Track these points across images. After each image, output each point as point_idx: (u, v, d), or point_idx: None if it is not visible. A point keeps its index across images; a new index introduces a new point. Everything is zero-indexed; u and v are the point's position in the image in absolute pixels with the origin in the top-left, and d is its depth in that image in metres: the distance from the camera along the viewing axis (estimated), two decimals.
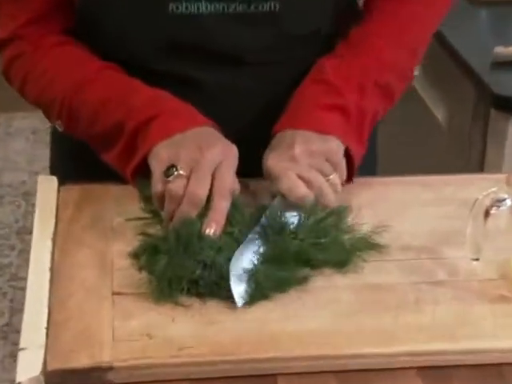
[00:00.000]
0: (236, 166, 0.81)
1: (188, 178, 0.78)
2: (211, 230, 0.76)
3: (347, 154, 0.86)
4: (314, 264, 0.77)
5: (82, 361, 0.65)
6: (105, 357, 0.66)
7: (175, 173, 0.77)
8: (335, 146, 0.85)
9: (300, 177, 0.81)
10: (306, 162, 0.82)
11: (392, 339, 0.69)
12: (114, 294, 0.74)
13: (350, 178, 0.88)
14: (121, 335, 0.68)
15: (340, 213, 0.83)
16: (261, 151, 0.85)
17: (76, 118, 0.88)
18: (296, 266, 0.76)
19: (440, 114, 1.50)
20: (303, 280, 0.75)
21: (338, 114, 0.87)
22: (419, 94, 1.61)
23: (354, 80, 0.90)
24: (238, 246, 0.76)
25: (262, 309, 0.72)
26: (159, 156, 0.80)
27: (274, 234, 0.79)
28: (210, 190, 0.78)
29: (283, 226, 0.79)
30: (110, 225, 0.83)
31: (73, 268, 0.77)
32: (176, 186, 0.77)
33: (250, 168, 0.83)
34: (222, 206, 0.77)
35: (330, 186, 0.83)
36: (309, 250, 0.77)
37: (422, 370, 0.67)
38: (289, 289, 0.74)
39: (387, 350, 0.68)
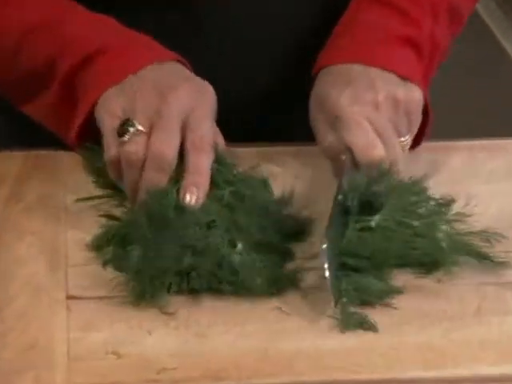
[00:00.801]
0: (215, 113, 0.82)
1: (149, 134, 0.78)
2: (192, 196, 0.77)
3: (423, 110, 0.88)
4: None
5: None
6: (57, 381, 0.67)
7: (131, 129, 0.78)
8: (418, 97, 0.86)
9: (376, 130, 0.82)
10: (388, 113, 0.84)
11: (446, 360, 0.71)
12: (68, 297, 0.75)
13: (418, 141, 0.90)
14: (79, 353, 0.69)
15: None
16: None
17: None
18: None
19: None
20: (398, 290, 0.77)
21: (411, 50, 0.89)
22: (492, 31, 1.62)
23: (426, 3, 0.91)
24: (235, 215, 0.78)
25: (269, 318, 0.74)
26: (109, 108, 0.80)
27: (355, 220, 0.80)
28: (182, 147, 0.79)
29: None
30: (61, 205, 0.84)
31: (13, 264, 0.78)
32: (134, 146, 0.78)
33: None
34: (201, 163, 0.78)
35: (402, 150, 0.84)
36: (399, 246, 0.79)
37: None
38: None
39: (437, 373, 0.70)
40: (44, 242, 0.80)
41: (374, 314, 0.74)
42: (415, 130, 0.88)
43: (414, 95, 0.86)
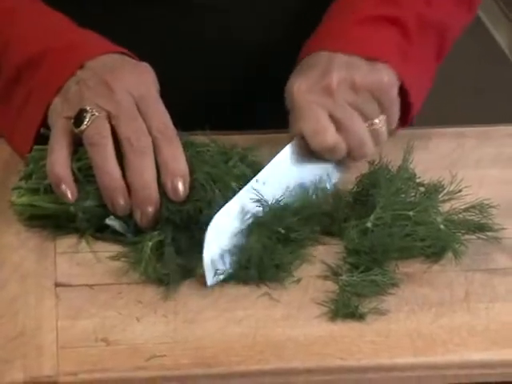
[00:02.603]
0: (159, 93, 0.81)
1: (108, 119, 0.78)
2: (177, 184, 0.77)
3: (402, 91, 0.87)
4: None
5: (15, 375, 0.66)
6: (46, 369, 0.67)
7: (88, 115, 0.77)
8: (387, 78, 0.85)
9: (332, 117, 0.81)
10: (343, 96, 0.82)
11: (433, 345, 0.71)
12: (57, 285, 0.75)
13: (403, 124, 0.89)
14: (68, 340, 0.69)
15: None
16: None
17: None
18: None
19: (503, 37, 1.51)
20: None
21: (392, 30, 0.88)
22: (483, 21, 1.62)
23: None
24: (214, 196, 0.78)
25: (259, 305, 0.74)
26: (60, 114, 0.80)
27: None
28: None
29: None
30: None
31: (1, 252, 0.78)
32: (96, 127, 0.77)
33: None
34: (175, 151, 0.78)
35: (373, 133, 0.84)
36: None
37: None
38: None
39: (426, 359, 0.70)
40: (32, 229, 0.80)
41: (363, 301, 0.74)
42: (393, 112, 0.86)
43: (381, 76, 0.85)
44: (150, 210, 0.77)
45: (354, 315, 0.73)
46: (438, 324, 0.73)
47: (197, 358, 0.68)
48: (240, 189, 0.80)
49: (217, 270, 0.75)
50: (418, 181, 0.85)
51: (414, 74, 0.87)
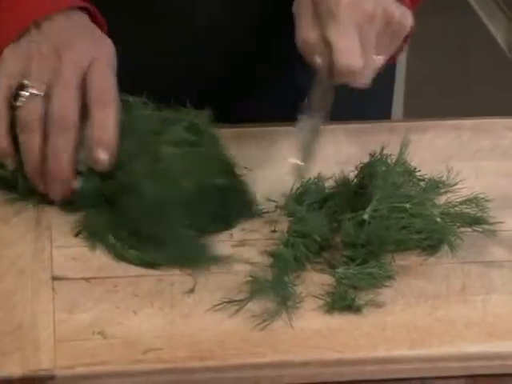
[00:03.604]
0: (115, 66, 0.81)
1: (47, 97, 0.77)
2: (100, 156, 0.77)
3: None
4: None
5: (13, 368, 0.66)
6: (43, 362, 0.66)
7: (25, 94, 0.77)
8: (409, 23, 0.85)
9: (361, 43, 0.81)
10: (378, 29, 0.82)
11: (429, 338, 0.71)
12: (54, 278, 0.75)
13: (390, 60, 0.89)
14: (64, 334, 0.69)
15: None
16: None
17: None
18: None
19: (503, 38, 1.51)
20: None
21: None
22: (475, 11, 1.62)
23: None
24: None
25: (256, 298, 0.74)
26: (6, 70, 0.79)
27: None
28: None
29: None
30: None
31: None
32: (27, 109, 0.76)
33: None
34: (105, 119, 0.77)
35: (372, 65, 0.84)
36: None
37: (473, 379, 0.70)
38: None
39: (422, 351, 0.70)
40: (28, 223, 0.80)
41: (360, 294, 0.74)
42: (391, 53, 0.87)
43: (408, 20, 0.85)
44: (58, 188, 0.78)
45: (351, 308, 0.73)
46: (434, 316, 0.73)
47: (193, 351, 0.68)
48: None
49: None
50: (415, 173, 0.86)
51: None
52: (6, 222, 0.81)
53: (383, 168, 0.83)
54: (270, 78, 1.05)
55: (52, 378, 0.66)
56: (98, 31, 0.82)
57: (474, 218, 0.82)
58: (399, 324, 0.72)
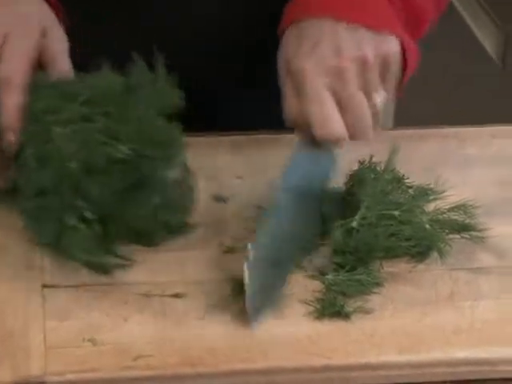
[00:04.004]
0: (34, 40, 0.81)
1: None
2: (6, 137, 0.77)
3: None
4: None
5: (3, 375, 0.66)
6: (34, 369, 0.67)
7: None
8: (393, 49, 0.82)
9: (339, 100, 0.79)
10: (354, 79, 0.79)
11: (418, 344, 0.71)
12: (44, 286, 0.75)
13: (398, 93, 0.87)
14: (55, 341, 0.69)
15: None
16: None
17: None
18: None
19: (493, 48, 1.52)
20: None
21: None
22: (466, 22, 1.63)
23: None
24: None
25: (244, 305, 0.74)
26: None
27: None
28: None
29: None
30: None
31: None
32: None
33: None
34: (8, 101, 0.78)
35: (373, 113, 0.81)
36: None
37: None
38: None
39: (411, 357, 0.70)
40: (18, 229, 0.80)
41: (349, 300, 0.75)
42: (393, 82, 0.84)
43: (389, 47, 0.81)
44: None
45: (340, 314, 0.73)
46: (423, 322, 0.73)
47: (183, 357, 0.69)
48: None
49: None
50: (403, 181, 0.86)
51: (410, 41, 0.85)
52: None
53: (372, 175, 0.83)
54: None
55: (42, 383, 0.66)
56: (27, 7, 0.83)
57: (462, 224, 0.82)
58: (388, 330, 0.72)
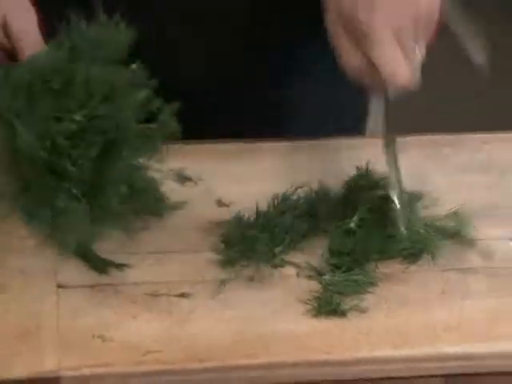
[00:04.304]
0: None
1: None
2: None
3: None
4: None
5: (19, 370, 0.67)
6: (48, 365, 0.68)
7: None
8: (436, 5, 0.83)
9: (403, 50, 0.80)
10: (411, 33, 0.81)
11: (412, 341, 0.73)
12: (59, 286, 0.76)
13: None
14: (67, 338, 0.71)
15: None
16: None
17: None
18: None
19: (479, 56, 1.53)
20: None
21: None
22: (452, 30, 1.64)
23: None
24: None
25: (246, 304, 0.76)
26: None
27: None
28: None
29: None
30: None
31: (5, 254, 0.79)
32: None
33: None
34: None
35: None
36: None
37: (450, 378, 0.73)
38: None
39: (404, 352, 0.72)
40: (36, 235, 0.80)
41: (344, 299, 0.76)
42: (428, 39, 0.85)
43: (435, 5, 0.83)
44: None
45: (336, 312, 0.75)
46: (415, 320, 0.75)
47: (190, 353, 0.70)
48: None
49: None
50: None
51: None
52: (14, 231, 0.81)
53: (369, 181, 0.85)
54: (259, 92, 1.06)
55: (57, 379, 0.67)
56: None
57: (454, 231, 0.83)
58: (382, 328, 0.74)
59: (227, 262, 0.80)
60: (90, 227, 0.77)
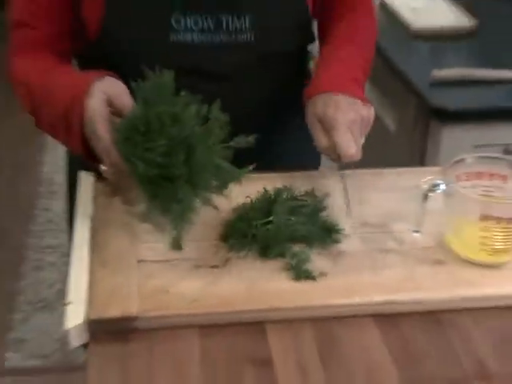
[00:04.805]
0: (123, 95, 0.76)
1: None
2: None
3: None
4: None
5: (114, 312, 0.66)
6: (132, 309, 0.66)
7: None
8: (373, 115, 0.85)
9: (353, 138, 0.80)
10: (359, 125, 0.81)
11: (354, 293, 0.70)
12: (139, 261, 0.74)
13: None
14: (145, 292, 0.69)
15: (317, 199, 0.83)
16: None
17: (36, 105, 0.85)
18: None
19: (390, 121, 1.52)
20: None
21: (359, 85, 0.89)
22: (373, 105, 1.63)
23: (361, 61, 0.93)
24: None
25: (253, 271, 0.73)
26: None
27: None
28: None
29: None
30: (136, 209, 0.78)
31: (108, 239, 0.77)
32: None
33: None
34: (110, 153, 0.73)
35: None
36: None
37: (377, 317, 0.69)
38: None
39: (350, 301, 0.70)
40: (126, 229, 0.78)
41: (314, 269, 0.73)
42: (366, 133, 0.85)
43: (372, 113, 0.84)
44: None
45: (309, 276, 0.72)
46: (356, 281, 0.71)
47: (218, 302, 0.68)
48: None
49: None
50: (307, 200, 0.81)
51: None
52: (113, 227, 0.79)
53: (287, 195, 0.80)
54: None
55: (136, 318, 0.66)
56: (111, 78, 0.79)
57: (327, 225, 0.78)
58: (335, 286, 0.71)
59: (232, 247, 0.76)
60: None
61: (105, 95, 0.76)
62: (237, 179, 0.73)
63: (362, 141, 0.82)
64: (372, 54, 0.99)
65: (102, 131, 0.73)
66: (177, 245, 0.74)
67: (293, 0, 0.90)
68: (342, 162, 0.80)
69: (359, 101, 0.84)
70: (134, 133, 0.71)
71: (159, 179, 0.70)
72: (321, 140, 0.81)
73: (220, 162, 0.72)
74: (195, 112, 0.71)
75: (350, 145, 0.78)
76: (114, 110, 0.76)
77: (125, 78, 0.79)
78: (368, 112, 0.83)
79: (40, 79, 0.85)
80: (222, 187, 0.73)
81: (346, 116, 0.80)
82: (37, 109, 0.85)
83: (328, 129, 0.80)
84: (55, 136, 0.87)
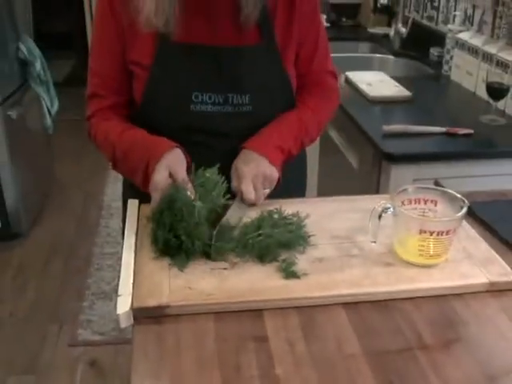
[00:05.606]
0: (181, 167, 0.78)
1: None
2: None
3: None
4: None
5: (152, 302, 0.66)
6: (164, 300, 0.66)
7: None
8: (276, 176, 0.86)
9: (255, 186, 0.82)
10: (261, 178, 0.83)
11: (329, 288, 0.69)
12: (169, 264, 0.73)
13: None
14: (173, 288, 0.68)
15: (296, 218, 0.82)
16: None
17: (117, 160, 0.88)
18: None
19: (354, 161, 1.52)
20: None
21: (280, 152, 0.89)
22: (342, 151, 1.63)
23: (293, 136, 0.92)
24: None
25: (254, 273, 0.72)
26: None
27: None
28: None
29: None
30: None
31: (146, 251, 0.76)
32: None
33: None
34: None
35: (263, 195, 0.84)
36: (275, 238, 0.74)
37: (345, 305, 0.68)
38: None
39: (326, 293, 0.68)
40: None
41: (296, 270, 0.71)
42: (272, 188, 0.86)
43: (275, 174, 0.85)
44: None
45: (295, 276, 0.70)
46: (328, 278, 0.70)
47: (228, 295, 0.67)
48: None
49: None
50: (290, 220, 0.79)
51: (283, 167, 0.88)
52: (150, 244, 0.76)
53: (277, 215, 0.79)
54: None
55: (168, 307, 0.65)
56: (178, 153, 0.82)
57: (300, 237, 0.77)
58: (313, 283, 0.69)
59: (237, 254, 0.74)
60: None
61: (167, 171, 0.78)
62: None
63: (266, 191, 0.84)
64: (328, 117, 0.99)
65: (155, 197, 0.77)
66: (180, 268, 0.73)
67: (280, 81, 0.91)
68: (246, 203, 0.80)
69: (267, 162, 0.84)
70: (166, 209, 0.73)
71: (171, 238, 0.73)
72: (233, 184, 0.83)
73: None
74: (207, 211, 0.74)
75: (250, 192, 0.80)
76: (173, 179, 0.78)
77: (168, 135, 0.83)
78: (271, 172, 0.84)
79: (119, 137, 0.87)
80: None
81: (251, 171, 0.82)
82: (117, 160, 0.87)
83: (239, 178, 0.82)
84: (130, 177, 0.87)
